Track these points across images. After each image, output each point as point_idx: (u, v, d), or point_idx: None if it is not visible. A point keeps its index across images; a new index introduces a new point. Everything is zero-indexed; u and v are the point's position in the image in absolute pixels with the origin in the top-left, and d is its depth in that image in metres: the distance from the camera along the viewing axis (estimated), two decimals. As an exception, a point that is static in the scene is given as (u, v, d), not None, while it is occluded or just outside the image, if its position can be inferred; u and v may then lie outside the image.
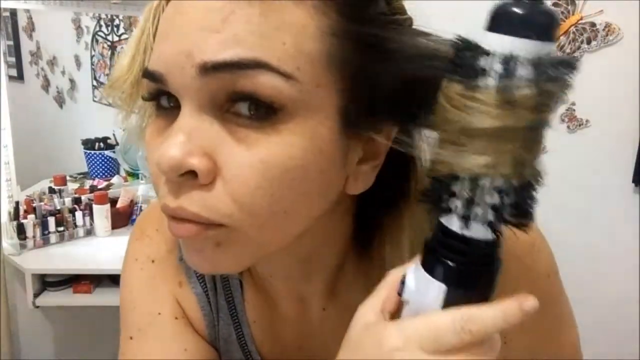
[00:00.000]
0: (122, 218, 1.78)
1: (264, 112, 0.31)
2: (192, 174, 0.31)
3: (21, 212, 1.60)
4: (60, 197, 1.73)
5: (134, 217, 1.81)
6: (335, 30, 0.32)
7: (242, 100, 0.31)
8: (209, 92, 0.31)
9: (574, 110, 1.34)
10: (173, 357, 0.46)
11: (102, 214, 1.68)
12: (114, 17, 2.36)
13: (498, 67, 0.24)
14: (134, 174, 2.11)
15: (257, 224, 0.32)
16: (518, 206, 0.26)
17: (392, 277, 0.32)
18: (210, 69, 0.30)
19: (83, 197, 1.74)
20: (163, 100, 0.34)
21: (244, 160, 0.31)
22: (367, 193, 0.38)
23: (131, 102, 0.39)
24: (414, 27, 0.36)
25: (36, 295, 1.51)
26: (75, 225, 1.68)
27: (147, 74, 0.33)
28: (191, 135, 0.31)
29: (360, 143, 0.35)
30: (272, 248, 0.35)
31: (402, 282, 0.30)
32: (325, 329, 0.47)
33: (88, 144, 2.19)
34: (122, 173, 2.16)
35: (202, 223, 0.32)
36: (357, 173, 0.36)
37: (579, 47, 1.29)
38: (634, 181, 1.26)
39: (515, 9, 0.24)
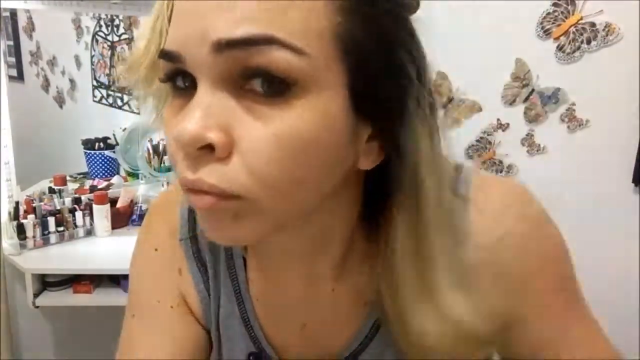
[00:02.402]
0: (122, 218, 1.78)
1: (277, 88, 0.32)
2: (209, 147, 0.32)
3: (21, 212, 1.60)
4: (60, 197, 1.73)
5: (134, 217, 1.81)
6: (344, 9, 0.33)
7: (256, 77, 0.32)
8: (224, 69, 0.32)
9: (574, 110, 1.34)
10: (162, 344, 0.50)
11: (102, 214, 1.68)
12: (114, 17, 2.36)
13: None
14: (134, 174, 2.11)
15: (272, 195, 0.34)
16: None
17: None
18: (225, 46, 0.31)
19: (83, 197, 1.74)
20: (179, 81, 0.35)
21: (258, 134, 0.32)
22: (374, 173, 0.39)
23: (148, 85, 0.41)
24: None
25: (36, 295, 1.51)
26: (75, 225, 1.68)
27: (164, 54, 0.35)
28: (208, 111, 0.32)
29: (369, 121, 0.36)
30: (286, 220, 0.37)
31: None
32: (333, 310, 0.48)
33: (88, 144, 2.19)
34: (122, 173, 2.16)
35: (219, 195, 0.33)
36: (367, 150, 0.38)
37: (578, 47, 1.29)
38: (633, 181, 1.26)
39: None
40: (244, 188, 0.33)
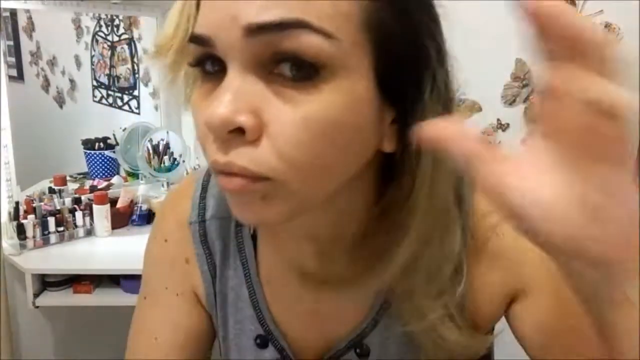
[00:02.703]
0: (122, 218, 1.78)
1: (306, 72, 0.33)
2: (239, 131, 0.33)
3: (21, 212, 1.60)
4: (60, 197, 1.73)
5: (134, 217, 1.81)
6: None
7: (285, 61, 0.33)
8: (254, 53, 0.33)
9: (574, 110, 1.34)
10: (166, 328, 0.54)
11: (102, 214, 1.68)
12: (114, 17, 2.36)
13: None
14: (134, 174, 2.11)
15: (300, 177, 0.34)
16: None
17: None
18: (255, 30, 0.32)
19: (83, 197, 1.73)
20: (208, 65, 0.36)
21: (287, 118, 0.33)
22: (392, 157, 0.40)
23: (175, 69, 0.42)
24: None
25: (36, 295, 1.51)
26: (75, 226, 1.67)
27: (194, 38, 0.35)
28: (238, 94, 0.33)
29: (393, 104, 0.37)
30: (312, 202, 0.38)
31: None
32: (344, 292, 0.49)
33: (88, 144, 2.19)
34: (122, 173, 2.16)
35: (249, 177, 0.34)
36: (391, 132, 0.38)
37: (579, 47, 1.29)
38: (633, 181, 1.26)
39: None
40: (273, 171, 0.34)
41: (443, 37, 0.38)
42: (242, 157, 0.34)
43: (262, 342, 0.52)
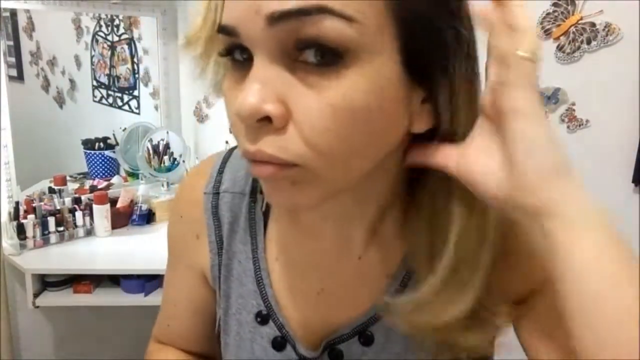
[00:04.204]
0: (122, 218, 1.78)
1: (330, 58, 0.33)
2: (267, 119, 0.34)
3: (21, 212, 1.60)
4: (60, 197, 1.73)
5: (134, 217, 1.81)
6: None
7: (309, 48, 0.33)
8: (278, 42, 0.33)
9: (574, 110, 1.34)
10: (182, 296, 0.60)
11: (102, 214, 1.68)
12: (114, 17, 2.36)
13: None
14: (134, 174, 2.11)
15: (327, 163, 0.35)
16: None
17: None
18: (277, 18, 0.32)
19: (83, 197, 1.74)
20: (237, 54, 0.37)
21: (313, 105, 0.33)
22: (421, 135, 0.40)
23: (206, 58, 0.43)
24: None
25: (36, 295, 1.51)
26: (75, 225, 1.68)
27: (222, 29, 0.36)
28: (265, 84, 0.34)
29: (421, 84, 0.37)
30: (341, 186, 0.38)
31: None
32: (354, 279, 0.49)
33: (88, 144, 2.19)
34: (122, 173, 2.16)
35: (278, 164, 0.35)
36: (421, 112, 0.38)
37: (578, 48, 1.29)
38: (634, 181, 1.26)
39: None
40: (301, 157, 0.34)
41: (467, 18, 0.37)
42: (271, 145, 0.35)
43: (263, 318, 0.52)
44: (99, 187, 1.92)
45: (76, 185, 1.99)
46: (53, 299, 1.55)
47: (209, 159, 0.58)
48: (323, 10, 0.32)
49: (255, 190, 0.53)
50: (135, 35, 2.26)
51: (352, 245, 0.49)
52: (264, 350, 0.52)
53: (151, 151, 2.02)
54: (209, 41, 0.41)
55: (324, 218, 0.49)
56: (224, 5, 0.36)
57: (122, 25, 2.35)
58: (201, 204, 0.55)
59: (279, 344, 0.51)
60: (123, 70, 2.34)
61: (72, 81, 2.79)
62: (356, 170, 0.38)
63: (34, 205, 1.61)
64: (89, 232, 1.70)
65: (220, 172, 0.55)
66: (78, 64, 2.70)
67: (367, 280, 0.49)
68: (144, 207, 1.82)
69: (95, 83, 2.60)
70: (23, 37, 3.12)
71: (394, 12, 0.33)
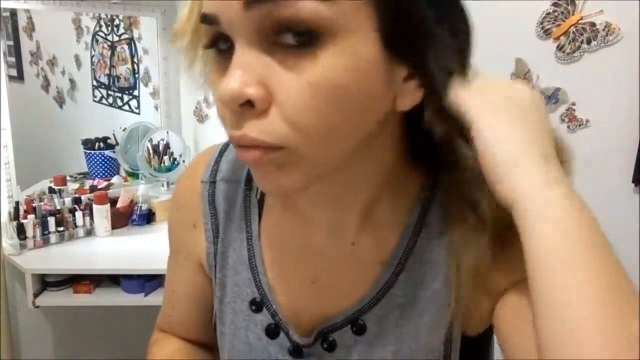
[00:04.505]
0: (122, 218, 1.78)
1: (307, 39, 0.33)
2: (250, 103, 0.35)
3: (21, 212, 1.60)
4: (60, 197, 1.73)
5: (134, 217, 1.81)
6: None
7: (286, 30, 0.34)
8: (255, 26, 0.34)
9: (574, 110, 1.34)
10: (181, 283, 0.61)
11: (102, 214, 1.68)
12: (114, 17, 2.36)
13: None
14: (134, 174, 2.11)
15: (312, 143, 0.36)
16: None
17: None
18: (254, 2, 0.33)
19: (83, 197, 1.74)
20: (221, 44, 0.37)
21: (293, 85, 0.34)
22: (413, 120, 0.40)
23: (193, 50, 0.44)
24: None
25: (36, 295, 1.51)
26: (75, 225, 1.68)
27: (204, 18, 0.37)
28: (245, 69, 0.34)
29: (403, 61, 0.37)
30: (328, 167, 0.39)
31: None
32: (348, 265, 0.49)
33: (88, 144, 2.19)
34: (122, 173, 2.16)
35: (263, 147, 0.36)
36: (404, 90, 0.38)
37: (578, 47, 1.29)
38: (634, 181, 1.26)
39: None
40: (284, 139, 0.35)
41: None
42: (254, 128, 0.35)
43: (257, 306, 0.52)
44: (99, 187, 1.92)
45: (76, 185, 1.99)
46: (53, 299, 1.55)
47: (207, 150, 0.59)
48: None
49: (250, 178, 0.54)
50: (135, 35, 2.26)
51: (345, 231, 0.49)
52: (258, 337, 0.52)
53: (151, 151, 2.02)
54: (195, 33, 0.42)
55: (315, 204, 0.49)
56: None
57: (122, 25, 2.35)
58: (198, 193, 0.56)
59: (272, 331, 0.51)
60: (123, 70, 2.34)
61: (72, 81, 2.79)
62: (340, 150, 0.38)
63: (34, 205, 1.61)
64: (89, 232, 1.70)
65: (218, 161, 0.56)
66: (78, 64, 2.70)
67: (360, 267, 0.49)
68: (144, 207, 1.82)
69: (95, 83, 2.60)
70: (23, 37, 3.12)
71: None
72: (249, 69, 0.34)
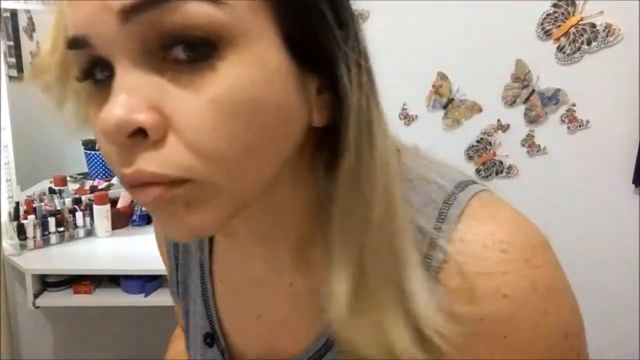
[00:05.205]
0: (123, 218, 1.78)
1: (202, 51, 0.28)
2: (141, 133, 0.29)
3: (21, 213, 1.60)
4: (61, 197, 1.73)
5: (134, 217, 1.81)
6: None
7: (175, 44, 0.28)
8: (138, 41, 0.28)
9: (574, 111, 1.34)
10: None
11: (102, 214, 1.68)
12: (114, 18, 2.36)
13: None
14: (134, 174, 2.11)
15: (223, 171, 0.30)
16: None
17: None
18: (132, 12, 0.28)
19: (83, 198, 1.73)
20: (98, 74, 0.31)
21: (191, 105, 0.28)
22: (327, 137, 0.35)
23: (61, 87, 0.37)
24: None
25: (36, 296, 1.51)
26: (76, 226, 1.67)
27: (71, 42, 0.31)
28: (131, 92, 0.29)
29: (313, 70, 0.33)
30: (245, 197, 0.33)
31: None
32: (289, 307, 0.44)
33: (88, 144, 2.19)
34: (122, 173, 2.16)
35: (164, 183, 0.29)
36: (319, 103, 0.34)
37: (579, 48, 1.29)
38: (634, 182, 1.27)
39: None
40: (190, 169, 0.29)
41: (345, 2, 0.33)
42: (150, 162, 0.29)
43: (210, 340, 0.49)
44: (100, 187, 1.92)
45: (76, 186, 1.99)
46: (53, 299, 1.55)
47: None
48: None
49: None
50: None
51: (281, 269, 0.43)
52: None
53: (151, 151, 2.02)
54: (62, 67, 0.35)
55: (248, 236, 0.43)
56: (71, 16, 0.30)
57: (122, 25, 2.35)
58: None
59: None
60: (123, 70, 2.34)
61: (72, 81, 2.79)
62: (258, 176, 0.32)
63: (34, 205, 1.61)
64: (89, 233, 1.70)
65: None
66: (78, 64, 2.70)
67: (302, 311, 0.43)
68: (144, 207, 1.82)
69: (95, 83, 2.59)
70: (23, 37, 3.12)
71: None
72: (135, 91, 0.28)
